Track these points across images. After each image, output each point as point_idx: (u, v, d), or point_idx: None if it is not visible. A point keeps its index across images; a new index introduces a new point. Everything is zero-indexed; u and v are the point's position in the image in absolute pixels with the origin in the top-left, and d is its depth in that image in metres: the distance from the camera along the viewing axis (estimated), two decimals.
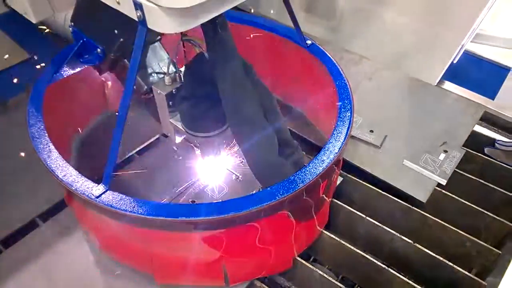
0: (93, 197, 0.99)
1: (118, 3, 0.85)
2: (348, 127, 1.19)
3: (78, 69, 1.36)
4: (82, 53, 1.24)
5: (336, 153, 1.11)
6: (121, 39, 1.10)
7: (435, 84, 1.81)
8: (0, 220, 1.35)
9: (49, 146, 1.10)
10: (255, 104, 1.11)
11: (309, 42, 1.47)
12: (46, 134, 1.13)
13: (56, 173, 1.04)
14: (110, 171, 1.00)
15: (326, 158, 1.10)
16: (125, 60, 1.20)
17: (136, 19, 0.83)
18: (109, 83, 1.50)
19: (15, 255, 1.28)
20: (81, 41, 1.20)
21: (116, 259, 1.26)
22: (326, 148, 1.13)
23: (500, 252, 1.33)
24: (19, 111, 1.37)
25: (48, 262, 1.27)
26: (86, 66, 1.33)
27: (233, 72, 1.07)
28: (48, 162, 1.06)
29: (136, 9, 0.80)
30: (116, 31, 1.08)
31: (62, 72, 1.33)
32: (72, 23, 1.21)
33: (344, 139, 1.15)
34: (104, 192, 1.00)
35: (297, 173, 1.06)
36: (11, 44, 1.89)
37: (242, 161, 1.49)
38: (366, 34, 1.94)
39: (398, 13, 1.82)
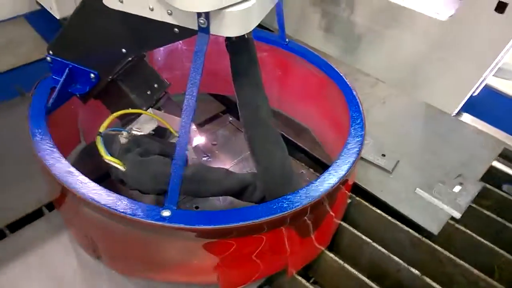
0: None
1: (170, 13, 0.84)
2: (360, 147, 1.11)
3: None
4: (66, 82, 1.13)
5: (346, 171, 1.03)
6: (129, 58, 1.04)
7: (453, 114, 1.72)
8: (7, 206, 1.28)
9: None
10: (270, 111, 1.07)
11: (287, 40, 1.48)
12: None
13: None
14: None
15: (334, 176, 1.02)
16: (119, 82, 1.14)
17: (195, 28, 0.83)
18: (80, 115, 1.39)
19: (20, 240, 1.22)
20: (67, 69, 1.10)
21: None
22: (336, 165, 1.05)
23: None
24: None
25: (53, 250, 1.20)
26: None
27: (255, 77, 1.05)
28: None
29: (200, 16, 0.80)
30: (124, 50, 1.02)
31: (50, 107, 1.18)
32: (51, 52, 1.11)
33: (356, 157, 1.07)
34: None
35: (307, 187, 0.99)
36: (38, 39, 1.91)
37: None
38: (383, 58, 1.88)
39: (419, 40, 1.75)
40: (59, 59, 1.10)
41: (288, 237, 1.02)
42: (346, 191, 1.20)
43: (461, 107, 1.71)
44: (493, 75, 1.71)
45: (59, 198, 1.10)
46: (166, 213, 0.90)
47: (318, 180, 1.00)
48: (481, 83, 1.65)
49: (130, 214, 0.89)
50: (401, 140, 1.59)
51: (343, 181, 1.02)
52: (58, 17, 1.32)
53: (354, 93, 1.29)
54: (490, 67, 1.58)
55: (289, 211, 0.92)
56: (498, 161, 1.61)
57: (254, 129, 1.05)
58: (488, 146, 1.59)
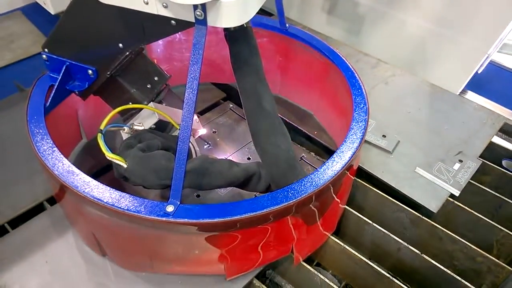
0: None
1: (165, 6, 0.79)
2: (364, 131, 1.07)
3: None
4: (63, 79, 1.08)
5: (351, 156, 0.99)
6: (127, 53, 0.99)
7: (458, 93, 1.68)
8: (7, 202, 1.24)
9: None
10: (273, 100, 1.03)
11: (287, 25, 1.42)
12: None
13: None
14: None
15: (338, 162, 0.98)
16: (118, 77, 1.09)
17: (192, 20, 0.78)
18: (80, 110, 1.34)
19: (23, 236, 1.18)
20: (65, 66, 1.05)
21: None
22: (340, 151, 1.01)
23: None
24: None
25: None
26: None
27: (256, 67, 1.01)
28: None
29: (196, 8, 0.75)
30: (120, 45, 0.97)
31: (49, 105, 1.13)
32: (46, 50, 1.06)
33: (359, 143, 1.03)
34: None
35: (311, 175, 0.95)
36: (36, 33, 1.86)
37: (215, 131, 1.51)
38: (387, 38, 1.84)
39: (422, 18, 1.70)
40: (55, 56, 1.06)
41: (294, 225, 1.00)
42: (351, 176, 1.17)
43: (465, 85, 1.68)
44: (497, 51, 1.67)
45: (62, 198, 1.06)
46: (170, 208, 0.86)
47: (322, 167, 0.97)
48: (485, 60, 1.61)
49: (133, 211, 0.86)
50: (402, 120, 1.55)
51: (347, 167, 0.98)
52: (52, 13, 1.26)
53: (357, 77, 1.24)
54: (495, 44, 1.54)
55: (294, 200, 0.89)
56: (500, 137, 1.59)
57: (257, 120, 1.01)
58: (489, 122, 1.55)
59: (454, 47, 1.65)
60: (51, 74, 1.09)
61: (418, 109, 1.59)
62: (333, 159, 0.99)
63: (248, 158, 1.45)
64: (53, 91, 1.07)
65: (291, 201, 0.89)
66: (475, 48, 1.59)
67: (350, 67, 1.28)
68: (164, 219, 0.85)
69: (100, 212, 0.92)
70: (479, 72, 1.65)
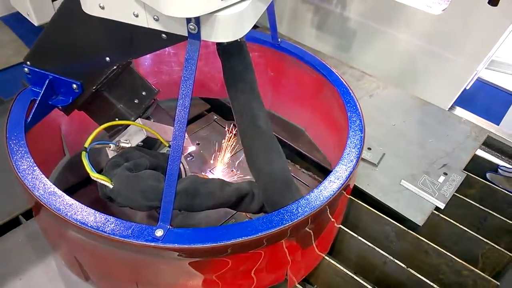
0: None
1: (157, 19, 0.71)
2: (360, 149, 1.00)
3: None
4: (46, 94, 0.97)
5: (347, 176, 0.92)
6: (114, 67, 0.89)
7: (447, 109, 1.64)
8: None
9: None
10: (267, 118, 0.94)
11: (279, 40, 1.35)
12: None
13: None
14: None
15: (335, 183, 0.90)
16: (105, 91, 0.99)
17: (184, 34, 0.71)
18: (63, 125, 1.23)
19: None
20: (48, 80, 0.94)
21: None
22: (336, 171, 0.93)
23: (498, 283, 1.12)
24: None
25: None
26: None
27: (251, 83, 0.93)
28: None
29: (189, 22, 0.68)
30: (107, 59, 0.87)
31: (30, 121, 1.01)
32: (28, 63, 0.95)
33: (356, 161, 0.96)
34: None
35: (307, 195, 0.87)
36: (18, 43, 1.73)
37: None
38: (377, 54, 1.79)
39: (413, 35, 1.66)
40: (37, 69, 0.95)
41: (288, 248, 0.91)
42: (347, 196, 1.09)
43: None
44: (485, 68, 1.63)
45: (42, 220, 0.96)
46: (159, 232, 0.77)
47: (319, 188, 0.88)
48: (474, 76, 1.58)
49: (120, 235, 0.77)
50: (387, 132, 1.50)
51: (344, 187, 0.90)
52: (36, 24, 1.16)
53: (351, 93, 1.17)
54: (483, 61, 1.51)
55: (290, 223, 0.81)
56: (484, 150, 1.56)
57: (252, 139, 0.92)
58: (473, 135, 1.51)
59: (444, 64, 1.61)
60: (33, 88, 0.98)
61: (403, 121, 1.54)
62: (329, 179, 0.91)
63: (232, 170, 1.37)
64: (35, 106, 0.96)
65: (287, 224, 0.80)
66: (465, 65, 1.56)
67: (344, 83, 1.20)
68: (152, 244, 0.76)
69: (84, 237, 0.82)
70: (467, 88, 1.62)
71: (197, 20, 0.67)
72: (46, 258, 1.06)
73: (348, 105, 1.12)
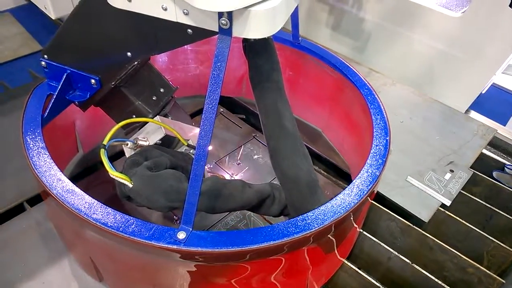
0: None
1: (186, 13, 0.64)
2: (386, 153, 0.93)
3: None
4: (63, 88, 0.89)
5: (373, 182, 0.85)
6: (135, 62, 0.82)
7: (463, 112, 1.56)
8: None
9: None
10: (294, 120, 0.87)
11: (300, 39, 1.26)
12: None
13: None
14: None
15: (361, 189, 0.83)
16: (123, 88, 0.90)
17: (215, 29, 0.64)
18: (77, 122, 1.15)
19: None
20: (65, 74, 0.86)
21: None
22: (362, 176, 0.86)
23: (503, 281, 1.07)
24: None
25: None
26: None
27: (278, 83, 0.87)
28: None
29: (221, 17, 0.61)
30: (129, 54, 0.79)
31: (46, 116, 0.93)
32: (46, 56, 0.88)
33: (382, 166, 0.89)
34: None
35: (332, 201, 0.80)
36: (25, 35, 1.66)
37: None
38: (394, 56, 1.70)
39: (430, 37, 1.57)
40: (55, 63, 0.86)
41: (310, 253, 0.84)
42: (371, 201, 1.02)
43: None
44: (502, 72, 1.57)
45: (58, 219, 0.89)
46: (181, 235, 0.70)
47: (344, 193, 0.81)
48: (490, 81, 1.51)
49: (141, 237, 0.70)
50: (393, 129, 1.41)
51: (370, 193, 0.83)
52: (53, 17, 1.09)
53: (375, 94, 1.08)
54: (502, 65, 1.43)
55: (316, 228, 0.74)
56: (490, 150, 1.50)
57: (277, 140, 0.85)
58: (480, 133, 1.45)
59: (463, 68, 1.53)
60: (49, 83, 0.89)
61: (410, 118, 1.48)
62: (355, 184, 0.83)
63: (238, 164, 1.31)
64: (52, 101, 0.87)
65: (313, 229, 0.73)
66: (484, 69, 1.48)
67: (367, 84, 1.12)
68: (174, 247, 0.69)
69: (102, 237, 0.75)
70: (483, 92, 1.55)
71: (230, 14, 0.60)
72: (52, 246, 1.01)
73: (372, 106, 1.04)
